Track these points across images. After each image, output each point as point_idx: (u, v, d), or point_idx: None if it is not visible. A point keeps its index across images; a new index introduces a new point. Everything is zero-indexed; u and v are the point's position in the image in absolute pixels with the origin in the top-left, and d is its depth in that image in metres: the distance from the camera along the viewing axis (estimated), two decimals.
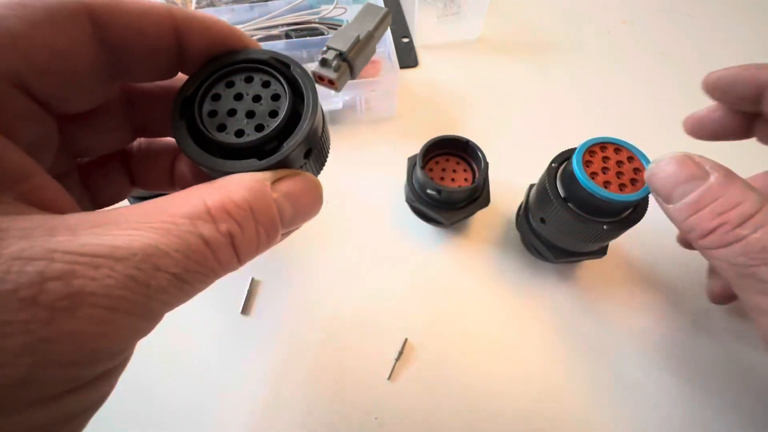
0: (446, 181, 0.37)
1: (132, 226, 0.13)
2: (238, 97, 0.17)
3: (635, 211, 0.29)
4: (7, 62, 0.13)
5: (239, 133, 0.17)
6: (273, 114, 0.17)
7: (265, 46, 0.45)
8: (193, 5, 0.49)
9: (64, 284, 0.11)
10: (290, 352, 0.34)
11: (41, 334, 0.11)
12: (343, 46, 0.38)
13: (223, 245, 0.14)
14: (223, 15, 0.49)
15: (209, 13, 0.17)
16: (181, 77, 0.18)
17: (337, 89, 0.41)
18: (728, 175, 0.21)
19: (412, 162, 0.38)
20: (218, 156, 0.16)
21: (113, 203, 0.21)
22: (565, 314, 0.36)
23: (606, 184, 0.26)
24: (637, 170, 0.27)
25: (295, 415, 0.32)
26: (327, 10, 0.48)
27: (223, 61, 0.18)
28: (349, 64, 0.39)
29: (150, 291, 0.12)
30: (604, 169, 0.27)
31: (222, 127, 0.17)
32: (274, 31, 0.48)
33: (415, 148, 0.37)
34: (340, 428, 0.31)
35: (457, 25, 0.56)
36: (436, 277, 0.38)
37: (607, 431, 0.31)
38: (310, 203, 0.17)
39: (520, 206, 0.37)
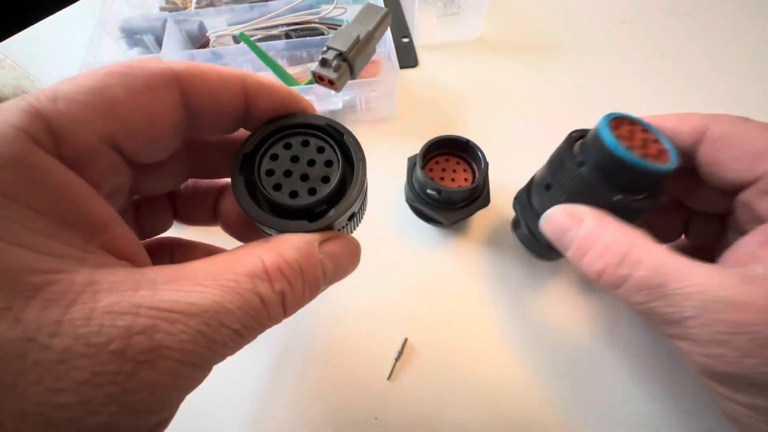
0: (446, 181, 0.37)
1: (202, 282, 0.14)
2: (295, 159, 0.19)
3: (649, 197, 0.25)
4: (108, 126, 0.15)
5: (293, 194, 0.18)
6: (325, 179, 0.18)
7: (265, 46, 0.45)
8: (193, 6, 0.49)
9: (147, 338, 0.12)
10: (290, 352, 0.34)
11: (126, 385, 0.12)
12: (343, 46, 0.38)
13: (275, 303, 0.15)
14: (223, 15, 0.49)
15: (271, 79, 0.19)
16: (242, 131, 0.20)
17: (337, 89, 0.41)
18: (600, 218, 0.22)
19: (412, 162, 0.38)
20: (269, 211, 0.18)
21: (156, 235, 0.23)
22: (566, 314, 0.36)
23: (630, 148, 0.24)
24: (662, 152, 0.24)
25: (295, 415, 0.32)
26: (327, 10, 0.48)
27: (282, 122, 0.19)
28: (349, 64, 0.39)
29: (215, 346, 0.14)
30: (630, 139, 0.24)
31: (278, 187, 0.18)
32: (274, 31, 0.48)
33: (415, 148, 0.37)
34: (340, 428, 0.31)
35: (457, 25, 0.56)
36: (436, 277, 0.38)
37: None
38: (349, 263, 0.20)
39: (518, 196, 0.34)
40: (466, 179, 0.38)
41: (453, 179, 0.38)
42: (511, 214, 0.40)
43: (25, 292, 0.12)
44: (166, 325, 0.13)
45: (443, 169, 0.38)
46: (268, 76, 0.19)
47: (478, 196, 0.37)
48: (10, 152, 0.12)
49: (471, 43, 0.55)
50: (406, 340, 0.34)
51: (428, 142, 0.36)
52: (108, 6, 0.48)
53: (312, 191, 0.18)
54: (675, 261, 0.19)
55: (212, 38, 0.48)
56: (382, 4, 0.43)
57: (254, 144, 0.19)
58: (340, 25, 0.48)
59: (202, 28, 0.50)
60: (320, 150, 0.19)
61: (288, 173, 0.18)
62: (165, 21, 0.48)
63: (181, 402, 0.14)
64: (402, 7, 0.59)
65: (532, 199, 0.31)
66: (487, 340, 0.34)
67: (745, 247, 0.21)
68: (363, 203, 0.21)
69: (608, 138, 0.23)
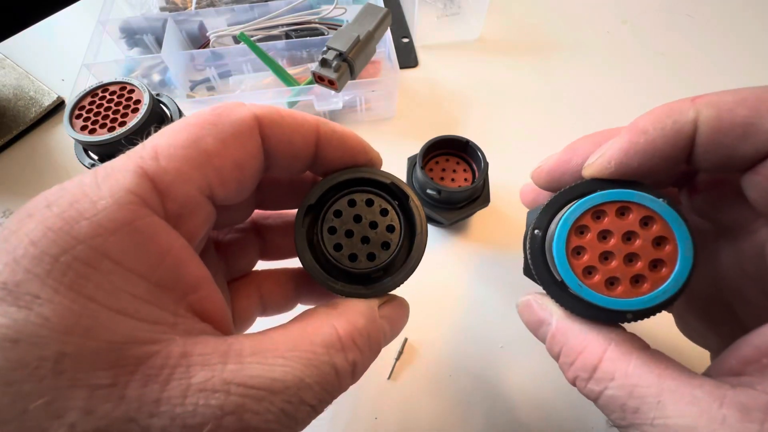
0: (446, 181, 0.37)
1: (283, 354, 0.14)
2: (357, 219, 0.19)
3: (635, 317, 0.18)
4: (205, 177, 0.15)
5: (353, 257, 0.18)
6: (385, 245, 0.19)
7: (265, 46, 0.45)
8: (193, 6, 0.49)
9: (237, 419, 0.12)
10: None
11: None
12: (343, 46, 0.38)
13: (348, 374, 0.16)
14: (223, 15, 0.49)
15: (344, 128, 0.20)
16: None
17: (337, 89, 0.41)
18: (564, 317, 0.19)
19: (412, 162, 0.38)
20: (327, 269, 0.19)
21: (243, 273, 0.24)
22: None
23: (610, 282, 0.17)
24: (662, 240, 0.17)
25: None
26: (327, 10, 0.48)
27: (348, 175, 0.19)
28: (349, 64, 0.39)
29: (295, 424, 0.14)
30: (605, 256, 0.17)
31: (338, 246, 0.19)
32: (274, 31, 0.49)
33: (415, 148, 0.37)
34: (340, 428, 0.31)
35: (457, 25, 0.56)
36: (436, 277, 0.38)
37: None
38: (402, 323, 0.20)
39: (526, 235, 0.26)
40: (466, 179, 0.38)
41: (453, 179, 0.38)
42: (512, 213, 0.41)
43: (128, 367, 0.12)
44: (254, 403, 0.13)
45: (443, 169, 0.38)
46: (341, 125, 0.19)
47: (478, 196, 0.37)
48: (121, 217, 0.13)
49: (471, 43, 0.56)
50: (406, 340, 0.34)
51: (428, 142, 0.36)
52: (108, 6, 0.48)
53: (371, 256, 0.18)
54: (653, 378, 0.16)
55: (212, 38, 0.48)
56: (382, 4, 0.43)
57: (318, 195, 0.19)
58: (340, 25, 0.48)
59: (202, 28, 0.50)
60: (383, 212, 0.19)
61: (349, 233, 0.19)
62: (165, 21, 0.48)
63: None
64: (402, 7, 0.59)
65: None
66: (487, 339, 0.34)
67: (753, 342, 0.16)
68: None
69: (575, 286, 0.17)
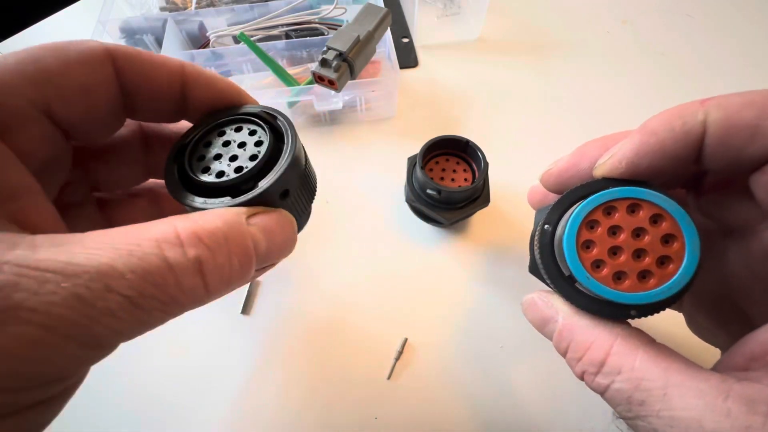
0: (446, 181, 0.37)
1: (97, 245, 0.12)
2: (226, 144, 0.19)
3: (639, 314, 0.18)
4: (42, 93, 0.15)
5: (220, 174, 0.18)
6: (253, 158, 0.18)
7: (265, 46, 0.45)
8: (193, 6, 0.49)
9: (3, 297, 0.10)
10: (290, 352, 0.34)
11: None
12: (343, 46, 0.38)
13: (189, 271, 0.13)
14: (223, 15, 0.49)
15: (212, 71, 0.20)
16: (187, 125, 0.20)
17: (337, 89, 0.41)
18: (571, 314, 0.19)
19: (412, 162, 0.38)
20: (196, 192, 0.18)
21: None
22: None
23: (618, 276, 0.18)
24: (671, 238, 0.17)
25: (295, 414, 0.32)
26: (327, 10, 0.48)
27: (221, 115, 0.19)
28: (349, 64, 0.39)
29: (95, 312, 0.11)
30: (614, 251, 0.18)
31: (206, 170, 0.18)
32: (274, 31, 0.49)
33: (415, 148, 0.37)
34: (340, 428, 0.31)
35: (457, 25, 0.56)
36: (436, 277, 0.38)
37: None
38: (284, 239, 0.18)
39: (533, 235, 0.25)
40: (466, 179, 0.38)
41: (453, 179, 0.38)
42: (512, 213, 0.41)
43: None
44: (33, 284, 0.11)
45: (443, 169, 0.38)
46: (211, 70, 0.19)
47: (478, 196, 0.37)
48: None
49: (471, 43, 0.56)
50: (406, 340, 0.34)
51: (428, 142, 0.36)
52: (108, 6, 0.48)
53: (239, 169, 0.18)
54: (659, 372, 0.16)
55: (212, 38, 0.48)
56: (382, 4, 0.43)
57: (191, 136, 0.19)
58: (340, 25, 0.48)
59: (202, 28, 0.50)
60: (252, 133, 0.19)
61: (218, 156, 0.18)
62: (165, 21, 0.48)
63: (68, 380, 0.13)
64: (402, 7, 0.59)
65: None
66: (487, 339, 0.34)
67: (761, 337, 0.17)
68: (304, 182, 0.20)
69: (584, 278, 0.18)
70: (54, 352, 0.11)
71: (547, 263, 0.19)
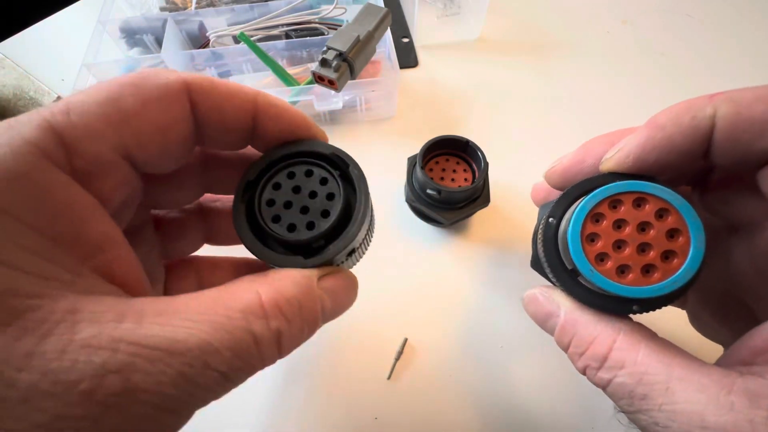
0: (446, 181, 0.37)
1: (191, 317, 0.13)
2: (296, 189, 0.18)
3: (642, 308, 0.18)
4: (121, 137, 0.14)
5: (291, 227, 0.18)
6: (325, 214, 0.18)
7: (265, 46, 0.45)
8: (193, 6, 0.49)
9: (121, 379, 0.11)
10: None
11: None
12: (343, 46, 0.38)
13: (270, 342, 0.14)
14: (223, 15, 0.49)
15: (284, 102, 0.19)
16: (251, 149, 0.20)
17: (337, 89, 0.41)
18: (573, 309, 0.19)
19: (412, 162, 0.38)
20: (269, 243, 0.18)
21: (183, 256, 0.23)
22: None
23: (621, 269, 0.17)
24: (676, 232, 0.17)
25: (295, 415, 0.32)
26: (327, 10, 0.48)
27: (288, 149, 0.19)
28: (349, 64, 0.39)
29: (196, 390, 0.13)
30: (618, 245, 0.18)
31: (277, 218, 0.18)
32: (274, 31, 0.49)
33: (415, 148, 0.37)
34: (340, 428, 0.31)
35: (457, 25, 0.56)
36: (436, 277, 0.38)
37: None
38: (347, 299, 0.18)
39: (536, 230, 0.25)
40: (466, 179, 0.38)
41: (453, 179, 0.38)
42: (512, 213, 0.41)
43: (1, 318, 0.11)
44: (146, 364, 0.11)
45: (443, 169, 0.38)
46: (282, 99, 0.19)
47: (478, 196, 0.37)
48: (16, 167, 0.12)
49: (471, 43, 0.56)
50: (406, 340, 0.34)
51: (428, 142, 0.36)
52: (108, 6, 0.48)
53: (310, 225, 0.18)
54: (662, 366, 0.16)
55: (212, 38, 0.48)
56: (382, 4, 0.43)
57: (258, 171, 0.18)
58: (340, 25, 0.48)
59: (202, 28, 0.50)
60: (323, 182, 0.18)
61: (288, 204, 0.18)
62: (165, 21, 0.48)
63: None
64: (402, 7, 0.59)
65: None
66: (487, 339, 0.34)
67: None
68: (366, 238, 0.20)
69: (587, 272, 0.18)
70: (160, 427, 0.12)
71: (550, 256, 0.19)
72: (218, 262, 0.23)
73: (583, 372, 0.18)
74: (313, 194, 0.18)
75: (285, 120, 0.18)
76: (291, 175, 0.18)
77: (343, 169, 0.19)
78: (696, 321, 0.25)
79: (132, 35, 0.50)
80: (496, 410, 0.32)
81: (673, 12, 0.58)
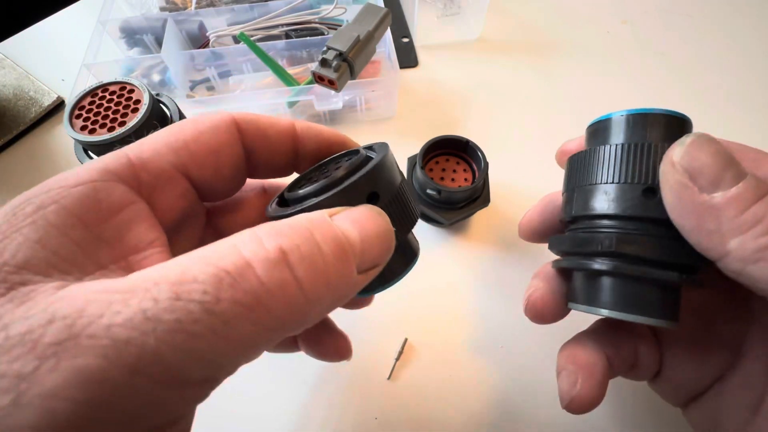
0: (446, 181, 0.37)
1: (175, 261, 0.12)
2: (321, 168, 0.20)
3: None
4: (181, 158, 0.17)
5: (307, 185, 0.18)
6: (339, 171, 0.18)
7: (265, 46, 0.45)
8: (193, 6, 0.49)
9: (64, 327, 0.10)
10: (289, 353, 0.34)
11: (19, 396, 0.09)
12: (343, 46, 0.38)
13: (270, 262, 0.12)
14: (223, 15, 0.49)
15: (319, 125, 0.22)
16: None
17: (337, 89, 0.41)
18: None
19: (412, 162, 0.38)
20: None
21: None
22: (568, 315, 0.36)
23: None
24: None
25: (295, 415, 0.32)
26: (327, 10, 0.48)
27: (321, 162, 0.21)
28: (349, 64, 0.39)
29: (163, 329, 0.10)
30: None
31: (295, 184, 0.20)
32: (274, 31, 0.49)
33: (415, 148, 0.37)
34: (340, 428, 0.31)
35: (457, 25, 0.56)
36: (436, 277, 0.38)
37: None
38: (377, 230, 0.15)
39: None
40: (466, 179, 0.38)
41: (453, 179, 0.38)
42: (512, 213, 0.41)
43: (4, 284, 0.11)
44: (98, 307, 0.10)
45: (443, 169, 0.38)
46: (317, 124, 0.21)
47: (478, 196, 0.37)
48: (86, 178, 0.14)
49: (471, 43, 0.55)
50: (406, 340, 0.34)
51: (428, 142, 0.36)
52: (108, 6, 0.48)
53: (326, 178, 0.18)
54: None
55: (212, 38, 0.48)
56: (382, 4, 0.43)
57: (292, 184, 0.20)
58: (340, 25, 0.48)
59: (202, 28, 0.50)
60: (348, 158, 0.19)
61: (309, 177, 0.19)
62: (165, 21, 0.48)
63: (150, 421, 0.11)
64: (402, 7, 0.59)
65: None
66: (488, 339, 0.34)
67: None
68: (397, 197, 0.18)
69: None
70: (123, 390, 0.10)
71: None
72: None
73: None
74: (337, 168, 0.18)
75: (322, 138, 0.20)
76: (320, 167, 0.20)
77: (368, 152, 0.20)
78: (665, 380, 0.26)
79: (132, 35, 0.50)
80: (496, 410, 0.32)
81: (673, 12, 0.58)
